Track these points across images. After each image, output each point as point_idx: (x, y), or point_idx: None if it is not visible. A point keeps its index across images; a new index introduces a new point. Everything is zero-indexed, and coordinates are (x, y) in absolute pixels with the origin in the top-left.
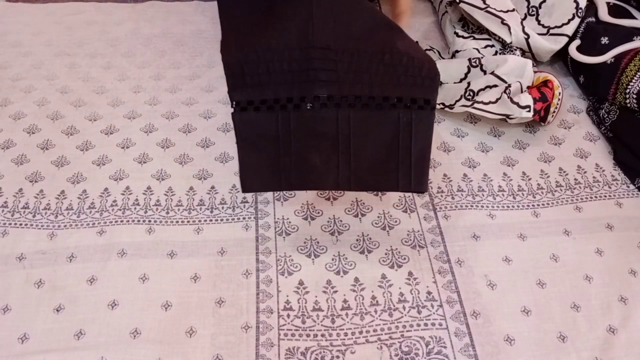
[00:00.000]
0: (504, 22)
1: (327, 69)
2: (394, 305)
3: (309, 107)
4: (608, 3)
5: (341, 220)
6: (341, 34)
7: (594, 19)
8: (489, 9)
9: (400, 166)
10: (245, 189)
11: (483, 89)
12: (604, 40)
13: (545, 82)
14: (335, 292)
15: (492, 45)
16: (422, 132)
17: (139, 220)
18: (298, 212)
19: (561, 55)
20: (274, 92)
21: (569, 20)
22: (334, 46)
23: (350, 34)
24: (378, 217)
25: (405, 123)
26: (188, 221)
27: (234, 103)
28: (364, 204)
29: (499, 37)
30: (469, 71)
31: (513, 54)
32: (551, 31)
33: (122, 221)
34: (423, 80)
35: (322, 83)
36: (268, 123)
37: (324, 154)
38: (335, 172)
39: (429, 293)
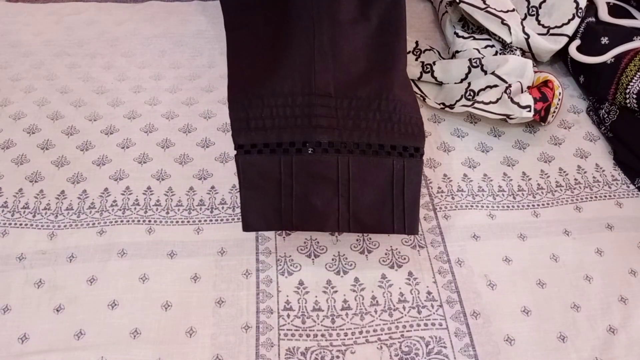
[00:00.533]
0: (504, 22)
1: (328, 116)
2: (394, 305)
3: (310, 152)
4: (608, 3)
5: None
6: (341, 79)
7: (594, 19)
8: (489, 9)
9: (395, 210)
10: (246, 228)
11: (483, 89)
12: (604, 40)
13: (546, 82)
14: (335, 292)
15: (492, 46)
16: (413, 178)
17: (139, 220)
18: None
19: (561, 55)
20: (277, 137)
21: (569, 21)
22: (334, 93)
23: (349, 79)
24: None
25: (398, 169)
26: (188, 221)
27: (238, 146)
28: None
29: (499, 37)
30: (469, 71)
31: (513, 54)
32: (551, 31)
33: (122, 221)
34: (413, 129)
35: (323, 129)
36: (271, 165)
37: (325, 197)
38: (335, 214)
39: (429, 293)
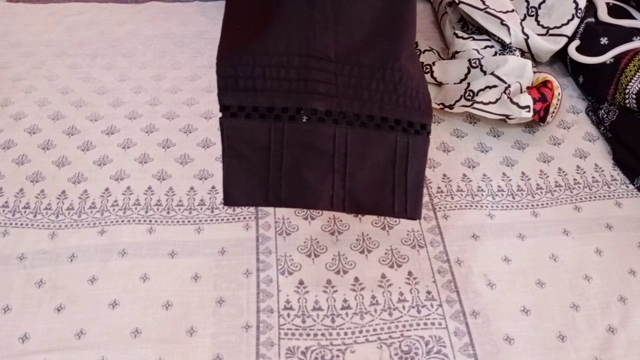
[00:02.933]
0: (504, 22)
1: (326, 82)
2: (393, 305)
3: (304, 120)
4: (607, 3)
5: (341, 220)
6: (342, 43)
7: (593, 20)
8: (488, 9)
9: (397, 191)
10: (228, 202)
11: (483, 90)
12: (604, 40)
13: (545, 83)
14: (335, 291)
15: (492, 46)
16: (417, 157)
17: (139, 220)
18: (298, 212)
19: (560, 56)
20: (268, 100)
21: (569, 21)
22: (335, 57)
23: (352, 44)
24: (378, 217)
25: (402, 147)
26: (189, 221)
27: (223, 107)
28: None
29: (499, 38)
30: (469, 72)
31: (512, 54)
32: (550, 32)
33: (122, 221)
34: (420, 103)
35: (321, 96)
36: (259, 132)
37: (318, 172)
38: (329, 192)
39: (428, 292)
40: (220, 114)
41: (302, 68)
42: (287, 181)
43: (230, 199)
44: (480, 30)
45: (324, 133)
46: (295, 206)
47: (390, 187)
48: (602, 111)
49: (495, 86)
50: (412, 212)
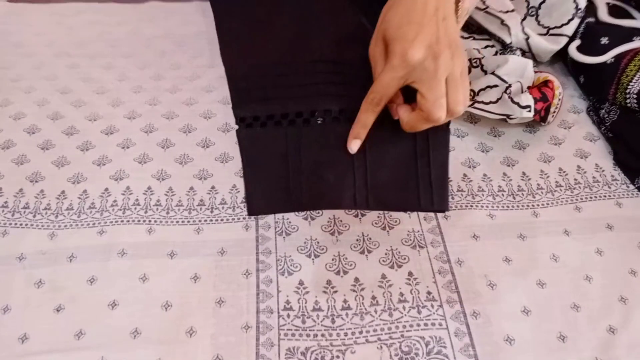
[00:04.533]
0: (504, 22)
1: (336, 82)
2: (394, 305)
3: (319, 122)
4: (608, 3)
5: (341, 220)
6: (345, 47)
7: (593, 19)
8: (488, 9)
9: (421, 183)
10: (251, 212)
11: (483, 89)
12: (604, 40)
13: (546, 82)
14: (335, 292)
15: (492, 46)
16: (439, 148)
17: (139, 221)
18: (298, 212)
19: (561, 56)
20: (282, 107)
21: (569, 21)
22: (341, 59)
23: (355, 50)
24: (378, 217)
25: (422, 139)
26: (188, 221)
27: (239, 119)
28: None
29: (499, 38)
30: (469, 71)
31: (513, 54)
32: (551, 31)
33: (122, 221)
34: None
35: (333, 97)
36: (276, 139)
37: (338, 170)
38: (351, 190)
39: (429, 293)
40: (236, 127)
41: (310, 73)
42: (307, 184)
43: (253, 209)
44: (481, 30)
45: (339, 131)
46: (318, 208)
47: (414, 181)
48: (603, 111)
49: (496, 86)
50: (439, 203)
